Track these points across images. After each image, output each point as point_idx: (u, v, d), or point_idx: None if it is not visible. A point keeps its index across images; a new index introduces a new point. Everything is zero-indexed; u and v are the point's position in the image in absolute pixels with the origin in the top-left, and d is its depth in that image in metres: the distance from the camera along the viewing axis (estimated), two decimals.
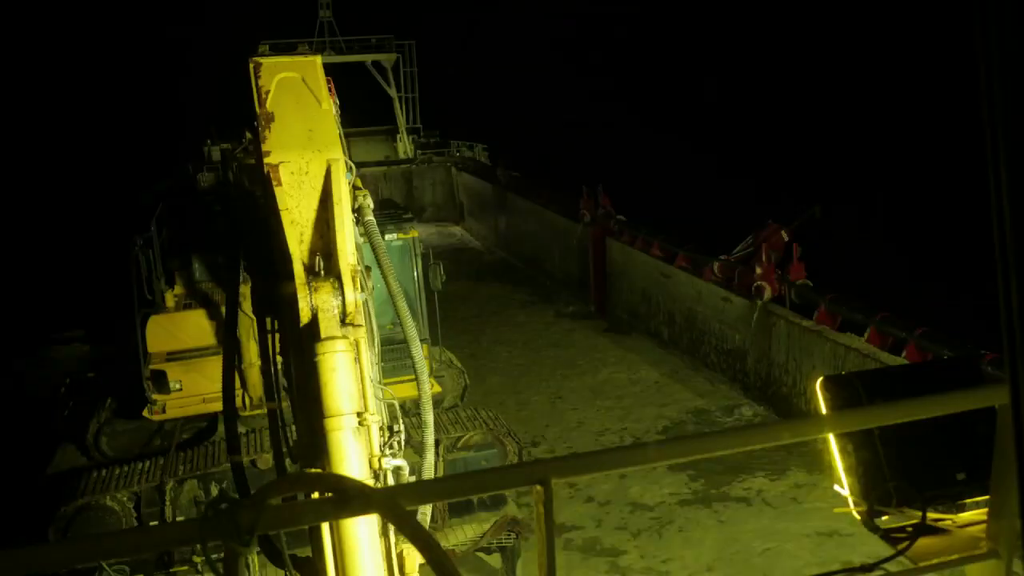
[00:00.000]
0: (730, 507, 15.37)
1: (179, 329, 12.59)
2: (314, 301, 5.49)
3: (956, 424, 3.38)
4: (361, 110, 43.58)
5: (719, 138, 53.52)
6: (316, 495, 2.59)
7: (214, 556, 2.46)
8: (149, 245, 13.43)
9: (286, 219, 5.76)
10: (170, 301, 13.12)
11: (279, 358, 6.30)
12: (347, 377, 5.32)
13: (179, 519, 11.35)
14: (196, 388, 12.30)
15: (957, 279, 21.88)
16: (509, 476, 2.82)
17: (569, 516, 14.88)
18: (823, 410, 3.63)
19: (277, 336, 6.28)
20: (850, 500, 3.62)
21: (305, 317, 5.48)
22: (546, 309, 29.47)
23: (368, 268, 6.41)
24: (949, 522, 3.53)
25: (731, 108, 63.17)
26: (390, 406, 6.16)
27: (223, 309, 11.00)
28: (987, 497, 3.30)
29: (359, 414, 5.36)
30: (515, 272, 35.07)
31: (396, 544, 5.62)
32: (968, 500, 3.57)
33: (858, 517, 3.60)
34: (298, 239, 5.79)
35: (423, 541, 2.33)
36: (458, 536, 12.25)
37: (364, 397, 5.49)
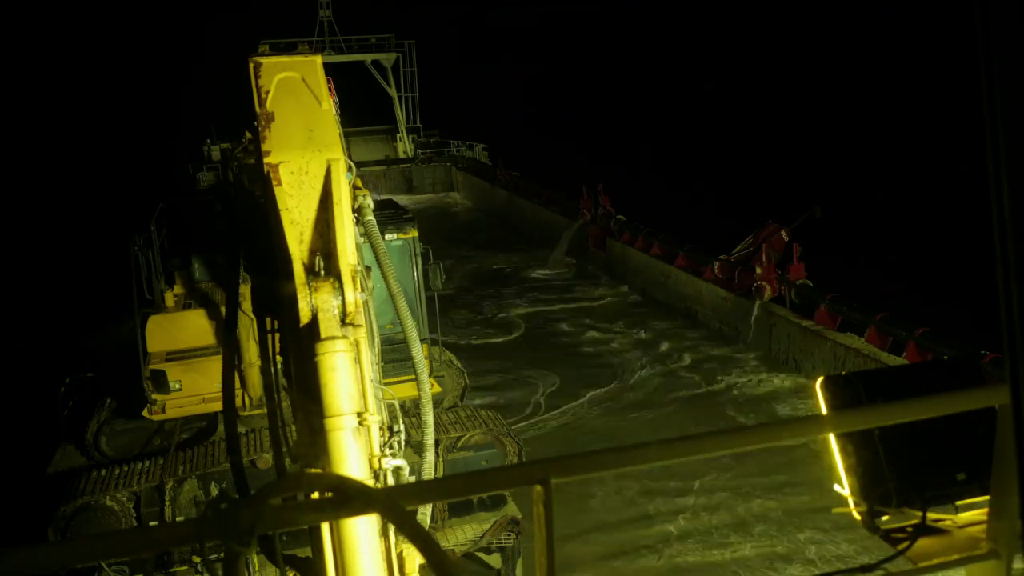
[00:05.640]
0: None
1: (179, 329, 12.58)
2: (314, 301, 5.48)
3: (956, 424, 3.38)
4: (361, 110, 43.60)
5: (719, 138, 53.48)
6: (316, 495, 2.59)
7: (212, 556, 2.44)
8: (149, 245, 13.43)
9: (286, 219, 5.75)
10: (170, 301, 13.11)
11: (279, 358, 6.29)
12: (347, 377, 5.32)
13: (179, 519, 11.35)
14: (196, 388, 12.29)
15: (957, 279, 21.87)
16: (509, 476, 2.82)
17: None
18: (823, 410, 3.62)
19: (277, 336, 6.27)
20: (850, 500, 3.62)
21: (305, 317, 5.47)
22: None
23: (368, 268, 6.40)
24: (949, 522, 3.53)
25: (732, 108, 63.13)
26: (390, 406, 6.15)
27: (223, 309, 11.01)
28: (987, 497, 3.30)
29: (359, 414, 5.35)
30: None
31: (396, 544, 5.62)
32: (968, 500, 3.56)
33: (858, 517, 3.59)
34: (298, 239, 5.78)
35: (423, 541, 2.32)
36: (458, 536, 12.25)
37: (364, 397, 5.48)
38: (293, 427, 6.08)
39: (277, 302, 5.81)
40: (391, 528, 5.47)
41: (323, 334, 5.38)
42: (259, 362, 9.57)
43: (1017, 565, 3.22)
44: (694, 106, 65.63)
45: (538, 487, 2.49)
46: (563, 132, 60.43)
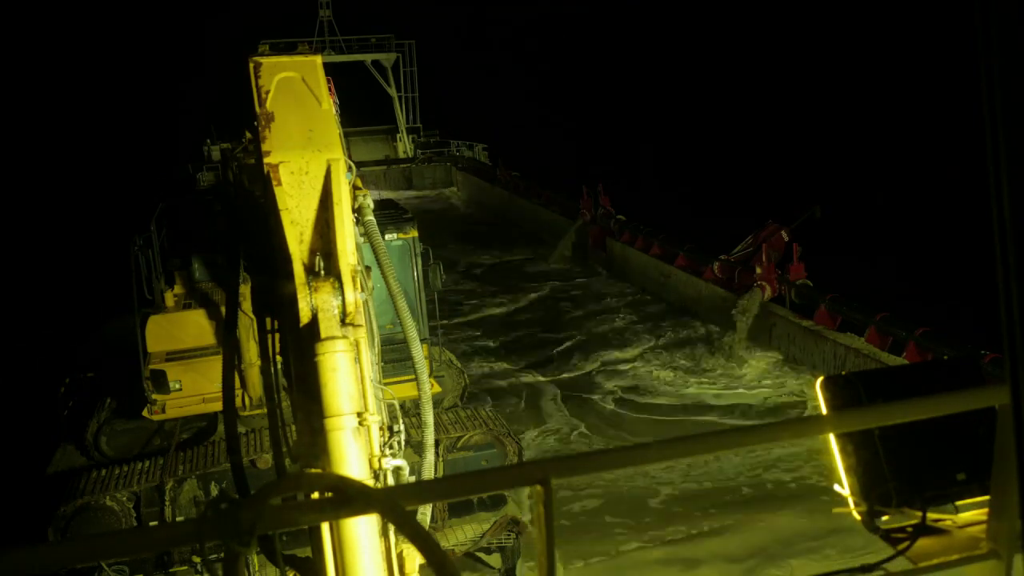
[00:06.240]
0: None
1: (179, 329, 12.59)
2: (314, 301, 5.48)
3: (956, 424, 3.38)
4: (361, 110, 43.63)
5: (720, 138, 53.50)
6: (316, 495, 2.59)
7: (212, 556, 2.44)
8: (149, 245, 13.44)
9: (286, 219, 5.75)
10: (170, 301, 13.12)
11: (279, 358, 6.30)
12: (347, 377, 5.32)
13: (179, 519, 11.35)
14: (196, 388, 12.29)
15: (957, 279, 21.88)
16: (509, 476, 2.82)
17: None
18: (823, 410, 3.62)
19: (277, 336, 6.28)
20: (850, 500, 3.62)
21: (305, 317, 5.48)
22: None
23: (368, 268, 6.40)
24: (949, 522, 3.53)
25: (732, 108, 63.13)
26: (390, 406, 6.15)
27: (223, 309, 11.02)
28: (987, 497, 3.31)
29: (359, 414, 5.35)
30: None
31: (396, 544, 5.62)
32: (968, 500, 3.56)
33: (858, 517, 3.60)
34: (298, 239, 5.79)
35: (423, 541, 2.32)
36: (458, 536, 12.25)
37: (364, 397, 5.48)
38: (293, 427, 6.08)
39: (277, 302, 5.81)
40: (391, 528, 5.47)
41: (323, 334, 5.38)
42: (259, 362, 9.57)
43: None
44: (694, 106, 65.65)
45: (538, 487, 2.49)
46: (563, 132, 60.45)
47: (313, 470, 5.37)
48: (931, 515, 3.50)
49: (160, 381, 12.29)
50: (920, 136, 45.23)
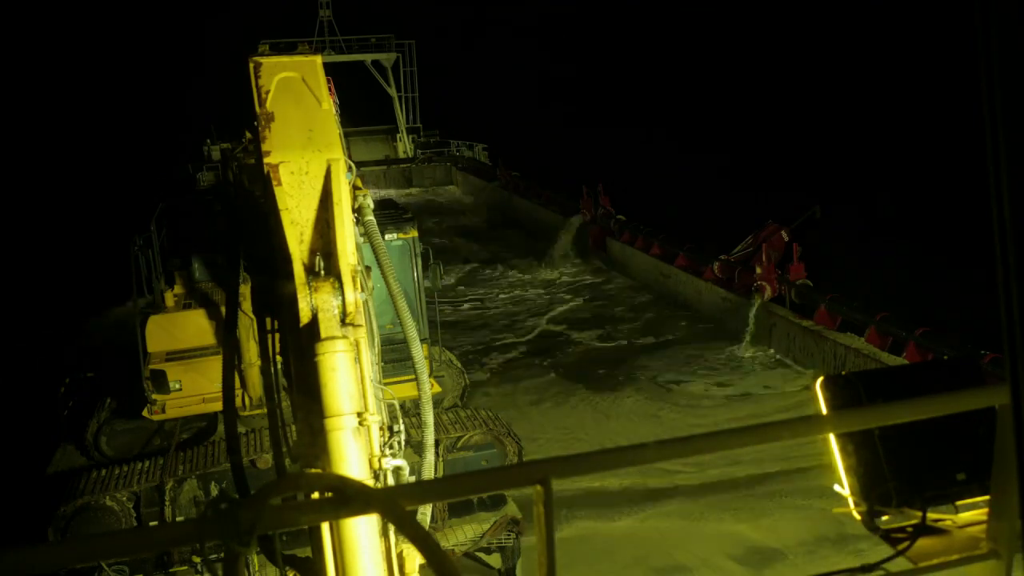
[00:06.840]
0: None
1: (179, 329, 12.59)
2: (314, 301, 5.48)
3: (956, 424, 3.38)
4: (361, 110, 43.64)
5: (719, 138, 53.50)
6: (316, 495, 2.59)
7: (212, 556, 2.45)
8: (149, 245, 13.46)
9: (286, 219, 5.75)
10: (170, 301, 13.13)
11: (279, 358, 6.29)
12: (347, 377, 5.32)
13: (179, 519, 11.35)
14: (196, 388, 12.30)
15: (957, 279, 21.88)
16: (509, 476, 2.82)
17: None
18: (823, 410, 3.62)
19: (277, 336, 6.27)
20: (850, 500, 3.62)
21: (305, 317, 5.47)
22: None
23: (368, 268, 6.40)
24: (949, 522, 3.53)
25: (731, 107, 63.14)
26: (390, 406, 6.15)
27: (223, 309, 11.02)
28: (987, 497, 3.30)
29: (359, 414, 5.35)
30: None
31: (396, 544, 5.62)
32: (968, 500, 3.56)
33: (858, 517, 3.59)
34: (298, 239, 5.78)
35: (423, 541, 2.32)
36: (458, 536, 12.26)
37: (364, 397, 5.48)
38: (293, 427, 6.08)
39: (277, 302, 5.81)
40: (391, 528, 5.47)
41: (323, 334, 5.38)
42: (259, 362, 9.57)
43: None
44: (694, 105, 65.66)
45: (538, 487, 2.49)
46: (563, 131, 60.43)
47: (313, 470, 5.37)
48: (931, 515, 3.49)
49: (160, 381, 12.30)
50: (920, 136, 45.23)
